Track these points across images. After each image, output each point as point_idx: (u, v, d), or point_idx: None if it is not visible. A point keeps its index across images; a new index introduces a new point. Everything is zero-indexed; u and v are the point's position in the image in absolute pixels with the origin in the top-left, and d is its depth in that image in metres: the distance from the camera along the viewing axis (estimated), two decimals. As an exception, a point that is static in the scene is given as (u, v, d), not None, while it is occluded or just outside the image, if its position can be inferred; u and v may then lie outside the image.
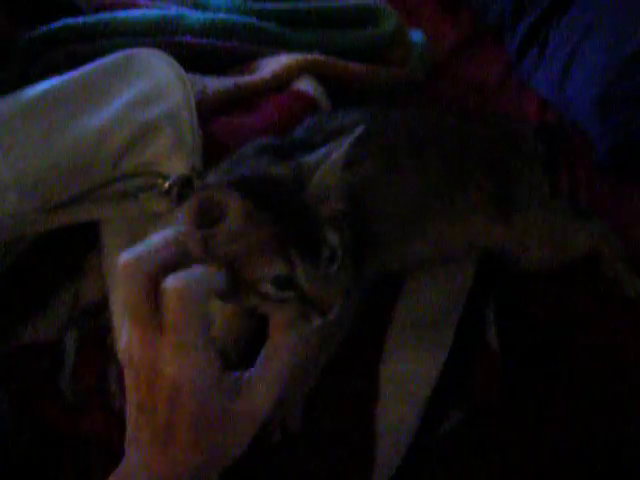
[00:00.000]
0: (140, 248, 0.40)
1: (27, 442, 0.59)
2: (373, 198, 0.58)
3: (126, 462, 0.43)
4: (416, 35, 0.88)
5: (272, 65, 0.73)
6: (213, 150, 0.62)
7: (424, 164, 0.61)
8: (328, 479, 0.57)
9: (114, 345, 0.58)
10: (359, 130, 0.45)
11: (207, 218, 0.41)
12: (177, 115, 0.61)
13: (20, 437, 0.59)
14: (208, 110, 0.67)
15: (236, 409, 0.41)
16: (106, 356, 0.60)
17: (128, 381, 0.42)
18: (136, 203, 0.59)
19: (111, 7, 0.78)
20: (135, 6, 0.78)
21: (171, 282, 0.39)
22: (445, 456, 0.60)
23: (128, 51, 0.65)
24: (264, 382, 0.43)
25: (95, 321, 0.62)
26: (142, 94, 0.62)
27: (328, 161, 0.44)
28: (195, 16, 0.75)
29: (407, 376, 0.60)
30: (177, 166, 0.59)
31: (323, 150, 0.45)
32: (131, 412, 0.42)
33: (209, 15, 0.76)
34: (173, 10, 0.77)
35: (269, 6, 0.79)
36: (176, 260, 0.40)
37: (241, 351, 0.53)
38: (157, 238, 0.41)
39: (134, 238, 0.58)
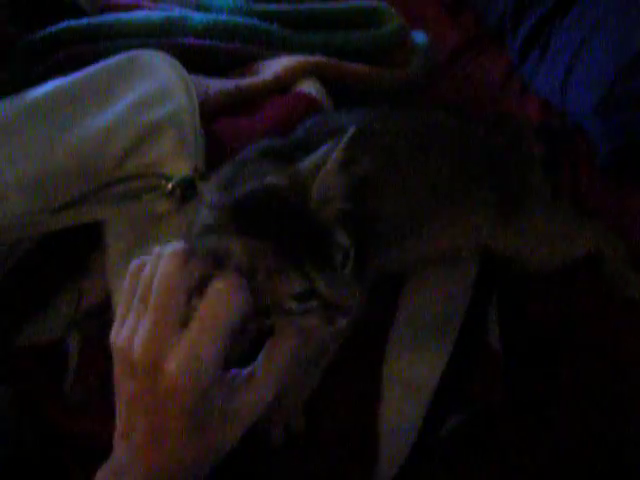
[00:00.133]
0: (188, 246, 0.43)
1: (28, 442, 0.59)
2: (375, 198, 0.58)
3: (115, 457, 0.43)
4: (418, 36, 0.88)
5: (274, 67, 0.73)
6: (216, 151, 0.62)
7: (426, 165, 0.61)
8: (331, 479, 0.57)
9: None
10: (352, 129, 0.45)
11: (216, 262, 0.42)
12: (180, 117, 0.61)
13: (21, 437, 0.59)
14: (211, 111, 0.67)
15: (231, 407, 0.42)
16: (109, 357, 0.60)
17: (121, 376, 0.42)
18: (139, 204, 0.59)
19: (114, 9, 0.79)
20: (138, 8, 0.79)
21: (225, 284, 0.41)
22: (447, 456, 0.60)
23: (131, 53, 0.65)
24: (262, 382, 0.43)
25: (98, 322, 0.62)
26: (145, 96, 0.62)
27: (327, 164, 0.44)
28: (198, 18, 0.75)
29: (409, 377, 0.60)
30: (180, 167, 0.59)
31: (319, 152, 0.45)
32: (122, 407, 0.43)
33: (212, 17, 0.76)
34: (176, 12, 0.77)
35: (271, 7, 0.79)
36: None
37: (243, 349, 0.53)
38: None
39: (137, 239, 0.59)
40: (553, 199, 0.70)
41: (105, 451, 0.57)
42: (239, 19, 0.76)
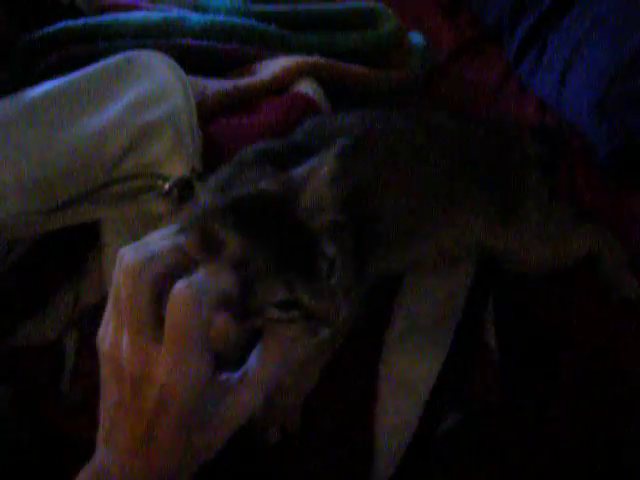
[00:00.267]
0: (145, 249, 0.40)
1: (27, 442, 0.59)
2: (374, 200, 0.58)
3: (98, 460, 0.42)
4: (415, 37, 0.88)
5: (272, 67, 0.73)
6: (213, 152, 0.62)
7: (425, 166, 0.61)
8: (327, 479, 0.57)
9: None
10: (343, 142, 0.45)
11: (207, 246, 0.41)
12: (177, 117, 0.61)
13: (20, 437, 0.59)
14: (208, 112, 0.67)
15: (219, 412, 0.42)
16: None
17: (108, 379, 0.42)
18: (136, 204, 0.59)
19: (112, 9, 0.79)
20: (136, 8, 0.79)
21: (182, 287, 0.38)
22: (444, 456, 0.60)
23: (129, 53, 0.66)
24: (250, 387, 0.43)
25: (95, 322, 0.62)
26: (143, 96, 0.62)
27: (318, 174, 0.44)
28: (196, 18, 0.75)
29: (406, 376, 0.60)
30: (177, 168, 0.59)
31: (311, 162, 0.45)
32: (107, 410, 0.42)
33: (209, 17, 0.76)
34: (174, 12, 0.77)
35: (269, 8, 0.79)
36: (181, 266, 0.40)
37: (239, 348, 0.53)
38: (161, 242, 0.41)
39: (134, 239, 0.59)
40: (551, 200, 0.70)
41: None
42: (237, 20, 0.76)
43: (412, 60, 0.84)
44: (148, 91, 0.62)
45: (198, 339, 0.39)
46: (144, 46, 0.68)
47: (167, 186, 0.59)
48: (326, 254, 0.44)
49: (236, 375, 0.43)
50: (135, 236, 0.59)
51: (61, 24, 0.73)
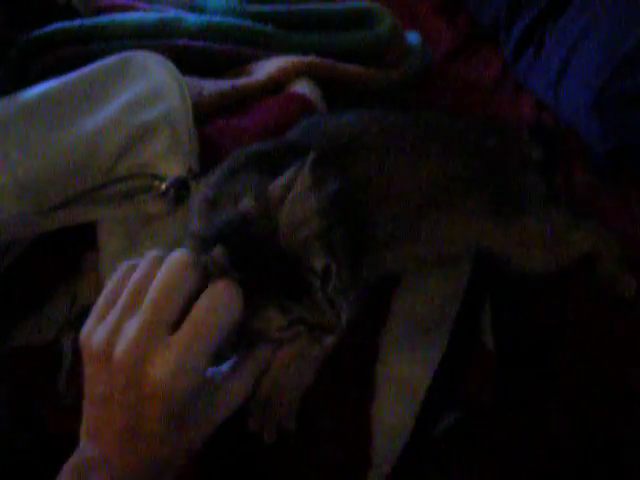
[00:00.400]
0: (193, 254, 0.42)
1: (25, 442, 0.59)
2: (371, 201, 0.58)
3: (81, 454, 0.42)
4: (412, 37, 0.88)
5: (268, 67, 0.73)
6: (209, 152, 0.62)
7: (422, 166, 0.61)
8: (323, 479, 0.57)
9: None
10: (312, 155, 0.45)
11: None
12: (174, 117, 0.61)
13: (18, 437, 0.59)
14: (204, 112, 0.67)
15: (207, 406, 0.42)
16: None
17: (94, 376, 0.41)
18: (133, 205, 0.60)
19: (109, 10, 0.79)
20: (133, 9, 0.79)
21: (222, 285, 0.41)
22: (441, 456, 0.60)
23: (125, 54, 0.66)
24: (235, 383, 0.44)
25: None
26: (139, 96, 0.62)
27: (293, 190, 0.44)
28: (192, 19, 0.75)
29: (403, 376, 0.60)
30: (173, 168, 0.60)
31: (287, 176, 0.45)
32: (92, 406, 0.42)
33: (206, 18, 0.76)
34: (171, 13, 0.78)
35: (265, 8, 0.80)
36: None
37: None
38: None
39: (131, 239, 0.60)
40: (548, 199, 0.70)
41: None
42: (233, 20, 0.76)
43: (409, 60, 0.84)
44: (144, 91, 0.63)
45: (216, 339, 0.40)
46: (140, 47, 0.68)
47: (164, 186, 0.59)
48: (316, 267, 0.44)
49: (223, 369, 0.44)
50: (132, 236, 0.60)
51: (57, 25, 0.73)
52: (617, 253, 0.70)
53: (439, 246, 0.63)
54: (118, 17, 0.74)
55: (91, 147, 0.59)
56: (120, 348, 0.40)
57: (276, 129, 0.65)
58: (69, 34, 0.72)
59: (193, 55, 0.72)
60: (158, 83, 0.63)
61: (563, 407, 0.63)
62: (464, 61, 0.95)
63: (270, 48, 0.76)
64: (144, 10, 0.79)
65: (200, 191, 0.53)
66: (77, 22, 0.73)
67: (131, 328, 0.40)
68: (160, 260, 0.43)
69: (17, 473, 0.57)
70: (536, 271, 0.67)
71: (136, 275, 0.43)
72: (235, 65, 0.75)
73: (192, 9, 0.81)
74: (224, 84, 0.70)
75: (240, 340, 0.44)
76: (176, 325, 0.40)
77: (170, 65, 0.65)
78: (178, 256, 0.42)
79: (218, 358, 0.43)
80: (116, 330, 0.41)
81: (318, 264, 0.44)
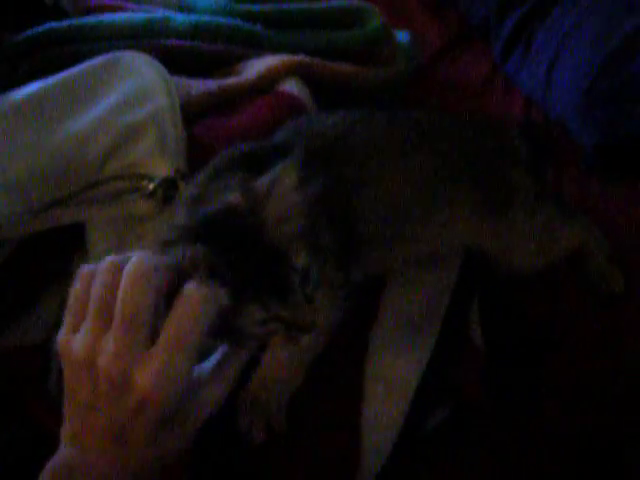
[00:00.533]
0: (155, 257, 0.41)
1: (15, 442, 0.59)
2: (360, 200, 0.58)
3: (62, 456, 0.42)
4: (401, 35, 0.88)
5: (257, 67, 0.73)
6: (197, 152, 0.62)
7: (412, 165, 0.61)
8: (313, 478, 0.57)
9: None
10: (298, 153, 0.45)
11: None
12: (161, 117, 0.61)
13: (7, 437, 0.59)
14: (193, 112, 0.67)
15: (191, 408, 0.42)
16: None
17: (77, 382, 0.41)
18: (121, 205, 0.59)
19: (97, 10, 0.79)
20: (121, 9, 0.79)
21: (194, 288, 0.39)
22: (431, 454, 0.60)
23: (113, 54, 0.66)
24: (217, 382, 0.44)
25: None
26: (127, 96, 0.62)
27: (278, 187, 0.44)
28: (180, 19, 0.75)
29: (392, 374, 0.60)
30: (161, 168, 0.60)
31: (273, 172, 0.45)
32: (76, 411, 0.41)
33: (195, 17, 0.76)
34: (159, 13, 0.77)
35: (255, 8, 0.79)
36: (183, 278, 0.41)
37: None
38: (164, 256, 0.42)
39: (119, 240, 0.60)
40: (538, 197, 0.70)
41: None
42: (222, 20, 0.76)
43: (398, 58, 0.84)
44: (132, 92, 0.63)
45: (197, 342, 0.39)
46: (129, 47, 0.68)
47: (151, 186, 0.59)
48: (298, 266, 0.44)
49: (205, 368, 0.44)
50: (120, 236, 0.60)
51: (45, 26, 0.72)
52: (605, 249, 0.71)
53: (428, 245, 0.63)
54: (106, 17, 0.74)
55: (80, 147, 0.59)
56: (103, 359, 0.39)
57: (265, 128, 0.65)
58: (57, 35, 0.72)
59: (181, 55, 0.72)
60: (145, 83, 0.63)
61: (553, 404, 0.64)
62: (454, 60, 0.95)
63: (259, 48, 0.76)
64: (132, 10, 0.79)
65: (186, 189, 0.53)
66: (65, 22, 0.73)
67: (109, 342, 0.39)
68: (118, 267, 0.40)
69: (9, 472, 0.57)
70: (525, 267, 0.67)
71: (97, 289, 0.40)
72: (224, 65, 0.75)
73: (181, 9, 0.81)
74: (212, 84, 0.70)
75: (221, 334, 0.44)
76: (155, 330, 0.40)
77: (158, 65, 0.65)
78: (138, 263, 0.39)
79: (201, 354, 0.43)
80: (95, 340, 0.40)
81: (299, 262, 0.44)
